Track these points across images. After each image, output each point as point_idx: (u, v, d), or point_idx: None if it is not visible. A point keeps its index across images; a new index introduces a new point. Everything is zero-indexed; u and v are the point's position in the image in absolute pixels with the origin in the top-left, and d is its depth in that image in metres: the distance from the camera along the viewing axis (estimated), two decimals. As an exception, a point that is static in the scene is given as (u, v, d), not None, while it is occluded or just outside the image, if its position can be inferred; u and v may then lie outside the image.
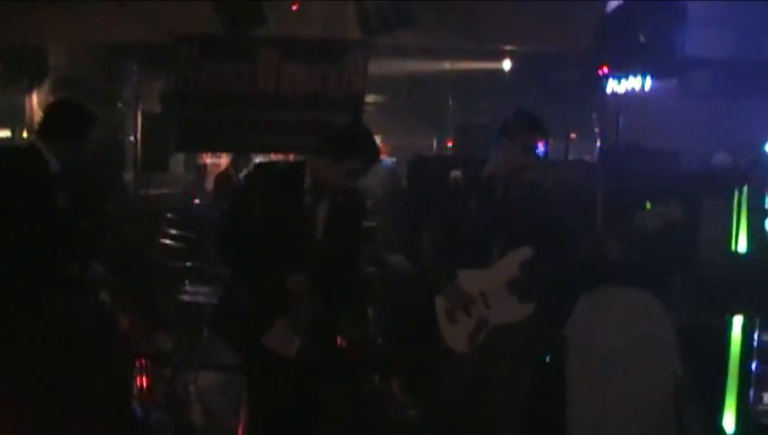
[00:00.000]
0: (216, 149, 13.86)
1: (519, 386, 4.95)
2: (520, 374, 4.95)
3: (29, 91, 11.67)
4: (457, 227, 4.90)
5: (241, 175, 11.67)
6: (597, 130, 10.42)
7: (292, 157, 10.11)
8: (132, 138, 11.64)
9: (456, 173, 5.06)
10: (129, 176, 11.31)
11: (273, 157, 12.89)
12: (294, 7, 10.13)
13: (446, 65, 13.03)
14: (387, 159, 18.69)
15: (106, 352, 5.48)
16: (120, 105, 12.37)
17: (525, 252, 4.84)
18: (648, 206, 4.85)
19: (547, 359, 5.70)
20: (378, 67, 10.75)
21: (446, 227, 4.93)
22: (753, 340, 5.62)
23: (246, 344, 4.67)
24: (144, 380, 6.01)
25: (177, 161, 14.49)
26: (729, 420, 5.58)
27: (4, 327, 4.81)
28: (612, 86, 9.22)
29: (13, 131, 12.12)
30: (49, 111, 5.46)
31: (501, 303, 4.87)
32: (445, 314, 4.93)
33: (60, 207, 5.04)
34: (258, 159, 13.87)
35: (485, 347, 4.88)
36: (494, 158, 4.96)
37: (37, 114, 11.30)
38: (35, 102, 11.70)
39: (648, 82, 8.98)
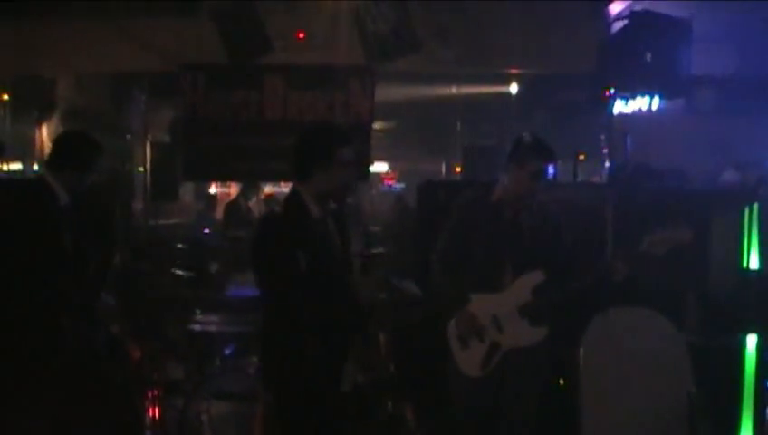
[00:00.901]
0: (224, 178, 13.90)
1: (532, 409, 4.93)
2: (533, 398, 4.93)
3: (38, 122, 11.73)
4: (468, 252, 4.90)
5: (250, 203, 11.71)
6: (605, 150, 10.40)
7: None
8: (141, 168, 11.68)
9: (465, 197, 5.06)
10: (138, 205, 11.34)
11: (283, 185, 12.95)
12: (300, 35, 10.20)
13: (453, 90, 13.06)
14: (395, 185, 18.78)
15: (118, 382, 5.48)
16: (128, 136, 12.42)
17: (537, 276, 4.84)
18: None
19: (560, 382, 5.68)
20: (384, 93, 10.78)
21: (456, 252, 4.93)
22: (768, 358, 5.59)
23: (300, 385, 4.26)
24: (156, 409, 5.99)
25: (187, 191, 14.54)
26: (745, 440, 5.54)
27: (17, 357, 4.82)
28: (619, 106, 9.20)
29: (23, 163, 12.16)
30: (57, 142, 5.52)
31: (513, 327, 4.85)
32: (457, 338, 4.92)
33: (69, 238, 5.07)
34: (267, 188, 13.98)
35: (498, 371, 4.88)
36: (504, 182, 4.96)
37: (47, 146, 11.36)
38: (45, 134, 11.76)
39: (655, 102, 8.96)
